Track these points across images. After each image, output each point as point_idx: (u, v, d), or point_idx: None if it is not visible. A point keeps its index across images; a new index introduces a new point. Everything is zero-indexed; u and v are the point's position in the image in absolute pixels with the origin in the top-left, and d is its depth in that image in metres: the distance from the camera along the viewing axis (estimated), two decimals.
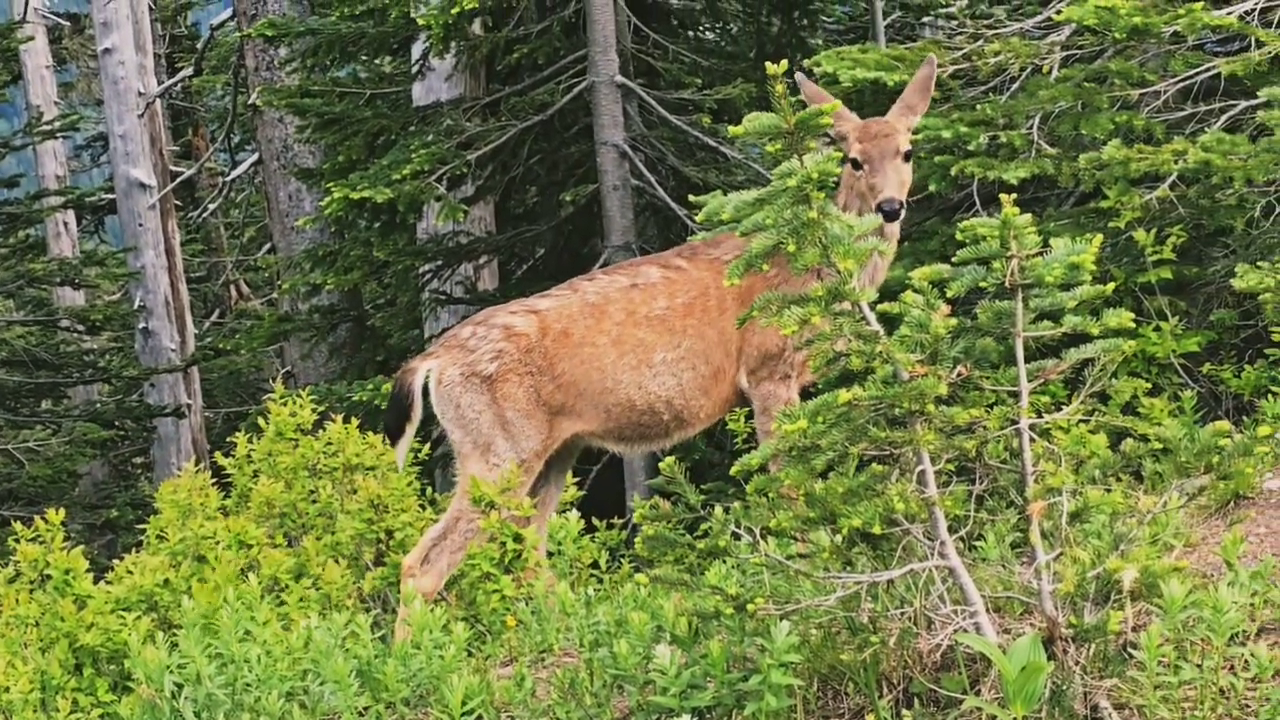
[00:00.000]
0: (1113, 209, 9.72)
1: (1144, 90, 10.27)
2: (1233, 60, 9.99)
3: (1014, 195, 5.94)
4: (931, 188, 10.25)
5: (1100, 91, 10.14)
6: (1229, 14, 10.10)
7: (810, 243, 5.72)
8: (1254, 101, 9.80)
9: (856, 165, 8.23)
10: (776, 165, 5.75)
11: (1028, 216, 5.85)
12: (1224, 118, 10.09)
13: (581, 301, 8.65)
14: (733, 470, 5.96)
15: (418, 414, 8.66)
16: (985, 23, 12.44)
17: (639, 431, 8.76)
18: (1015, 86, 10.67)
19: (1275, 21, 10.17)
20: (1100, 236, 6.12)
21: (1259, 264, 8.83)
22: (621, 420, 8.67)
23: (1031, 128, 10.16)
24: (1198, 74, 10.29)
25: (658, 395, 8.58)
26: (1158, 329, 9.70)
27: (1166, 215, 9.84)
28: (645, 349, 8.52)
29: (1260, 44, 9.92)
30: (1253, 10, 10.23)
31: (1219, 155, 9.25)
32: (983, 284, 5.92)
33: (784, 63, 5.67)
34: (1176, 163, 9.42)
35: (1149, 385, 8.14)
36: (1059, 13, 10.36)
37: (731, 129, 5.83)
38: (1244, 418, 9.19)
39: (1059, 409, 6.35)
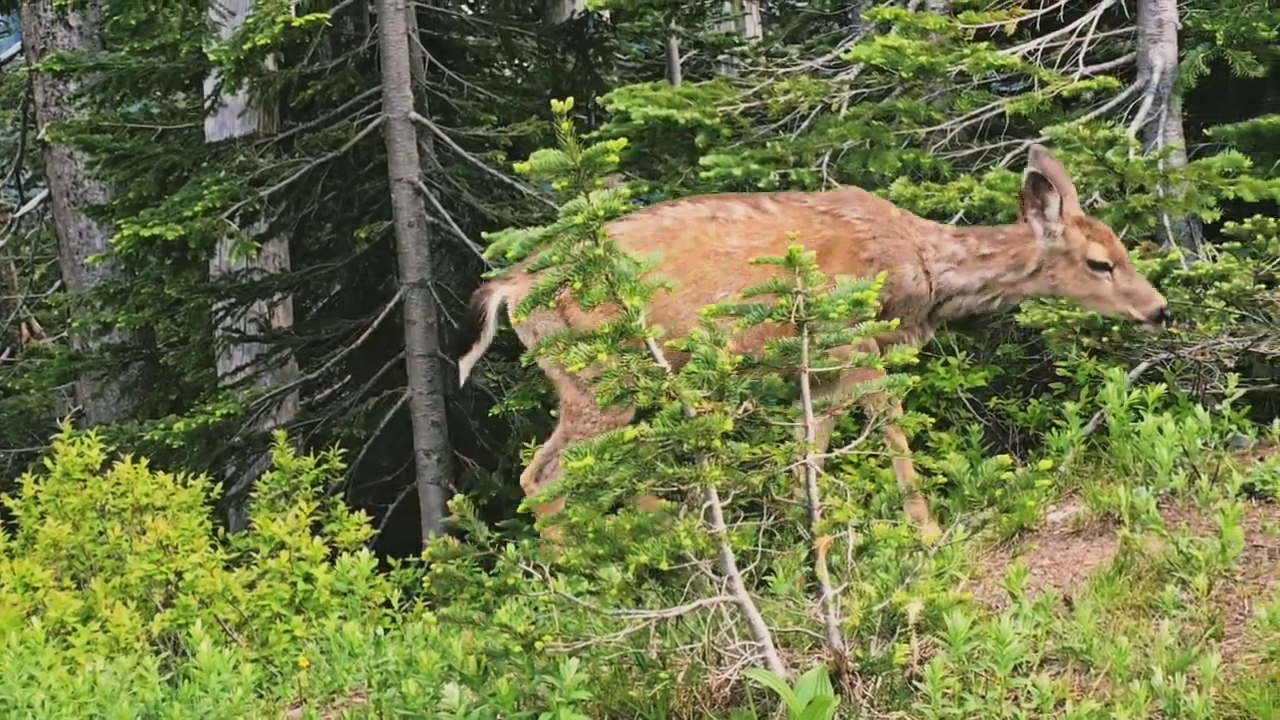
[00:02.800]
0: None
1: (931, 128, 10.42)
2: (1017, 99, 10.18)
3: (797, 234, 5.99)
4: None
5: (888, 129, 10.27)
6: (1013, 54, 10.29)
7: (596, 279, 5.73)
8: (1037, 140, 9.97)
9: (1101, 268, 8.08)
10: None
11: (812, 253, 5.90)
12: (1009, 156, 10.27)
13: (656, 225, 8.37)
14: (520, 508, 5.94)
15: (487, 335, 8.40)
16: (779, 61, 12.57)
17: None
18: (805, 124, 10.76)
19: (1057, 62, 10.38)
20: (885, 273, 6.20)
21: (1042, 300, 8.96)
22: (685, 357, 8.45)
23: (821, 165, 10.26)
24: (983, 113, 10.46)
25: None
26: (946, 364, 9.83)
27: None
28: (707, 283, 8.17)
29: (1043, 83, 10.13)
30: (1035, 51, 10.44)
31: (1003, 193, 9.40)
32: (769, 319, 5.97)
33: (570, 100, 5.68)
34: (962, 200, 9.56)
35: (934, 420, 8.26)
36: (847, 52, 10.49)
37: (518, 166, 5.83)
38: (1030, 450, 9.35)
39: (849, 443, 6.42)
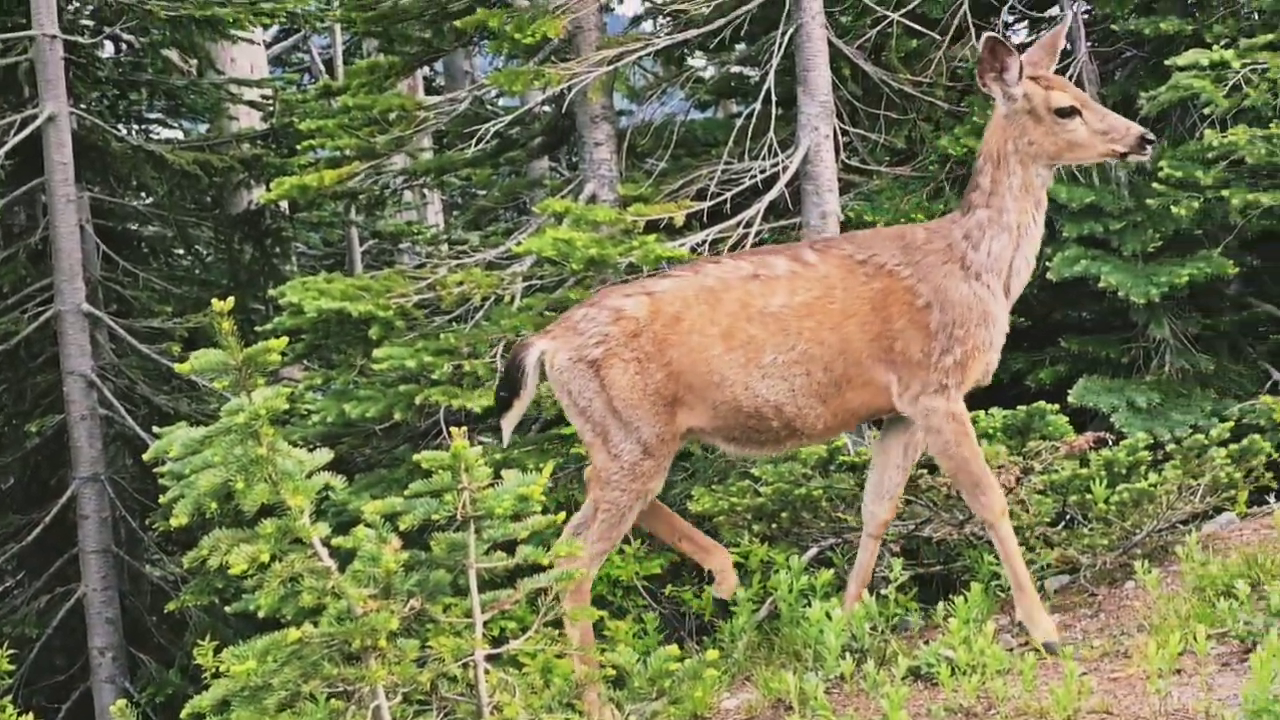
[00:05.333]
0: (574, 434, 9.91)
1: None
2: None
3: (464, 428, 6.02)
4: (397, 416, 10.32)
5: None
6: (681, 245, 10.51)
7: (259, 479, 5.69)
8: None
9: (1069, 114, 7.84)
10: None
11: (478, 449, 5.94)
12: None
13: (699, 285, 7.96)
14: (183, 714, 5.82)
15: (528, 391, 7.94)
16: (460, 248, 12.66)
17: (747, 435, 8.03)
18: (479, 315, 10.85)
19: (724, 252, 10.61)
20: (551, 465, 6.26)
21: (713, 487, 9.09)
22: (729, 420, 7.97)
23: (495, 356, 10.33)
24: None
25: (765, 399, 7.87)
26: (621, 552, 9.89)
27: None
28: (755, 347, 7.83)
29: None
30: (704, 242, 10.67)
31: None
32: (435, 516, 5.96)
33: (231, 300, 5.66)
34: None
35: (602, 614, 8.29)
36: (519, 244, 10.63)
37: (178, 366, 5.78)
38: (705, 637, 9.41)
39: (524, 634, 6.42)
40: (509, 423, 8.09)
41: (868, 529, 8.27)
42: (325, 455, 5.97)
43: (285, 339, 5.68)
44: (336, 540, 5.91)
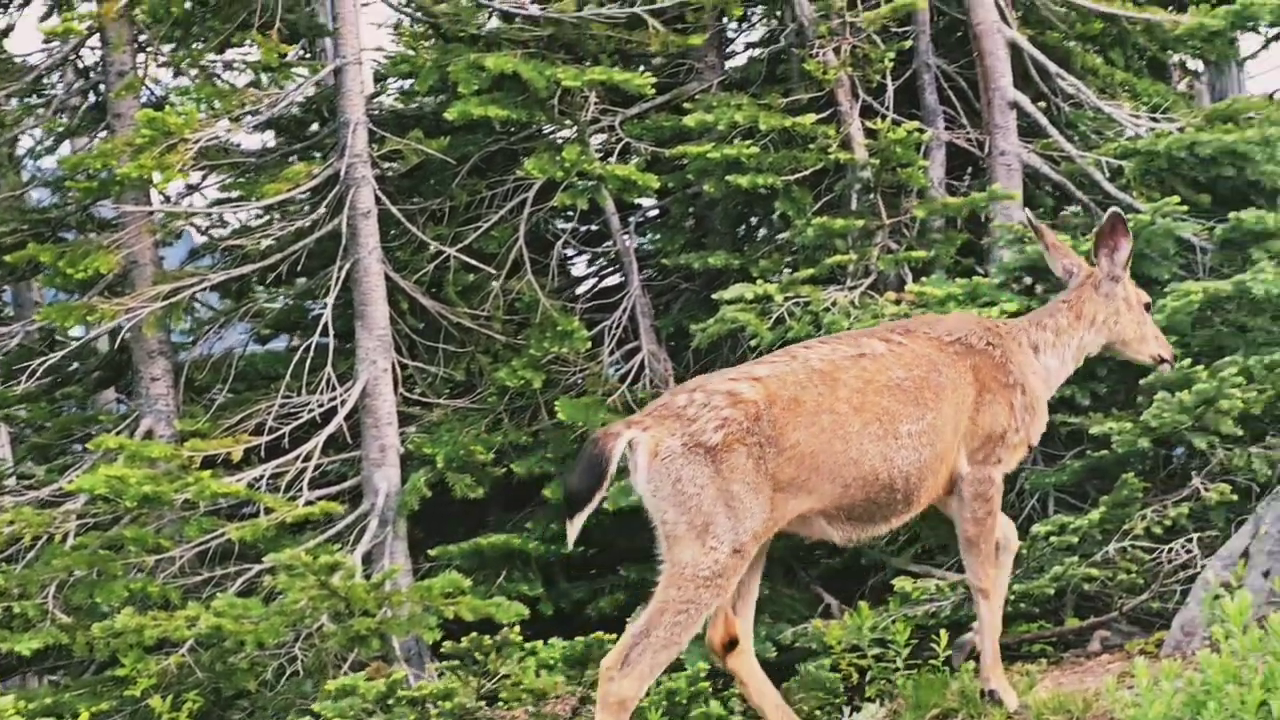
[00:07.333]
0: (129, 677, 9.75)
1: (160, 556, 10.47)
2: (243, 526, 10.35)
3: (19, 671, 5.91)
4: None
5: (115, 558, 10.28)
6: (238, 481, 10.50)
7: None
8: (265, 565, 10.16)
9: (1148, 310, 8.66)
10: None
11: (10, 698, 5.83)
12: (240, 581, 10.41)
13: (807, 368, 7.73)
14: None
15: (608, 483, 7.36)
16: (28, 482, 12.42)
17: (869, 510, 7.82)
18: (31, 555, 10.65)
19: (284, 487, 10.64)
20: (92, 710, 6.15)
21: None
22: (858, 496, 7.74)
23: (47, 597, 10.14)
24: (212, 539, 10.60)
25: (900, 469, 7.80)
26: None
27: (184, 681, 9.95)
28: (891, 418, 7.79)
29: (269, 510, 10.33)
30: (261, 477, 10.67)
31: (231, 620, 9.51)
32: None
33: None
34: (191, 628, 9.61)
35: None
36: (71, 482, 10.50)
37: None
38: None
39: None
40: (577, 524, 7.58)
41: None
42: None
43: None
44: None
